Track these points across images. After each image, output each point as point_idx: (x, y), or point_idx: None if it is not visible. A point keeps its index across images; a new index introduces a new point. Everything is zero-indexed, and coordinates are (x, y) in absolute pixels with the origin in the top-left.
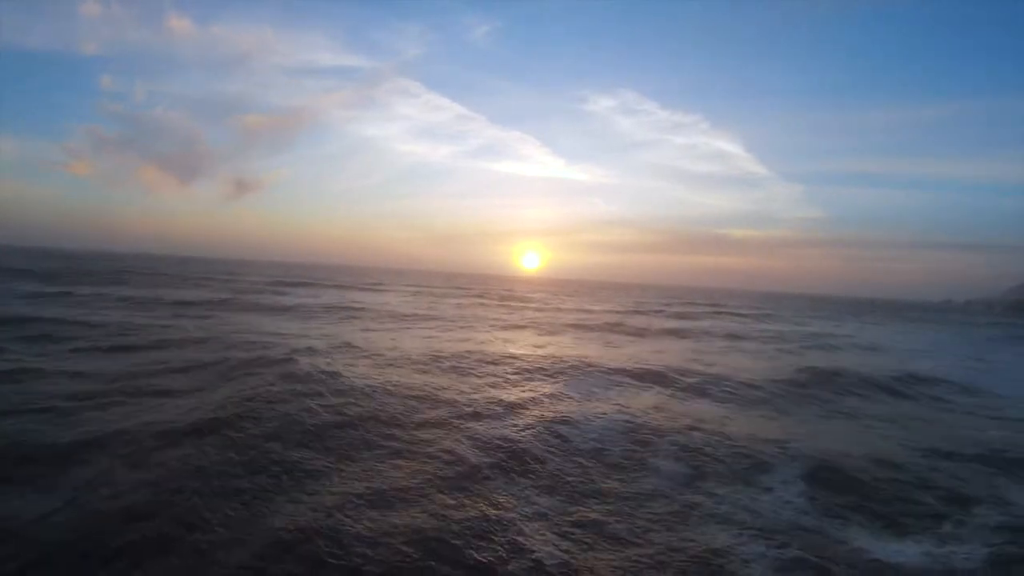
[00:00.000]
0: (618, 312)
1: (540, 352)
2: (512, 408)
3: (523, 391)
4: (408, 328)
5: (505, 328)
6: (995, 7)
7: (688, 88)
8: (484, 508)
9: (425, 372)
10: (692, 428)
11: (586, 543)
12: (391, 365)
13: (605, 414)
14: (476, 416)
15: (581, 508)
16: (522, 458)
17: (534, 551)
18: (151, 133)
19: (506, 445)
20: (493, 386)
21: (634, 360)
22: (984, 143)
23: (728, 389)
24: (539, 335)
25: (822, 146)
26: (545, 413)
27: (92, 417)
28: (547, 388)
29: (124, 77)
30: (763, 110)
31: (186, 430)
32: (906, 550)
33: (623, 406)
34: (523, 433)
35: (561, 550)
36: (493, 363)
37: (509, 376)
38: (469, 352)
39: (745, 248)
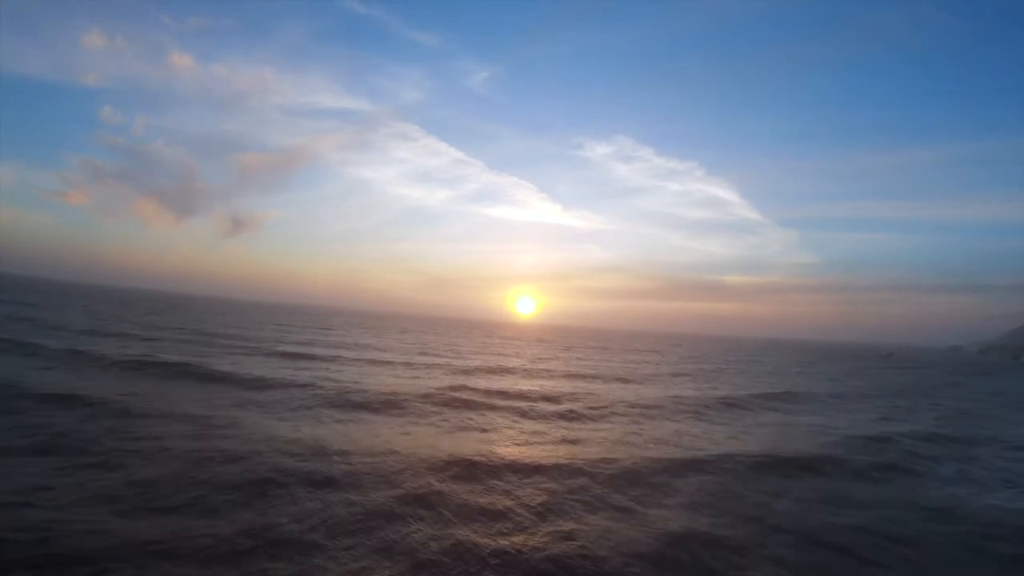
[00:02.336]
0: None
1: None
2: None
3: None
4: None
5: None
6: (982, 50)
7: (683, 135)
8: None
9: None
10: None
11: None
12: None
13: None
14: None
15: None
16: None
17: None
18: (149, 167)
19: None
20: None
21: None
22: (975, 185)
23: None
24: None
25: (816, 191)
26: None
27: None
28: None
29: (124, 110)
30: (757, 156)
31: None
32: None
33: None
34: None
35: None
36: None
37: None
38: None
39: (739, 294)
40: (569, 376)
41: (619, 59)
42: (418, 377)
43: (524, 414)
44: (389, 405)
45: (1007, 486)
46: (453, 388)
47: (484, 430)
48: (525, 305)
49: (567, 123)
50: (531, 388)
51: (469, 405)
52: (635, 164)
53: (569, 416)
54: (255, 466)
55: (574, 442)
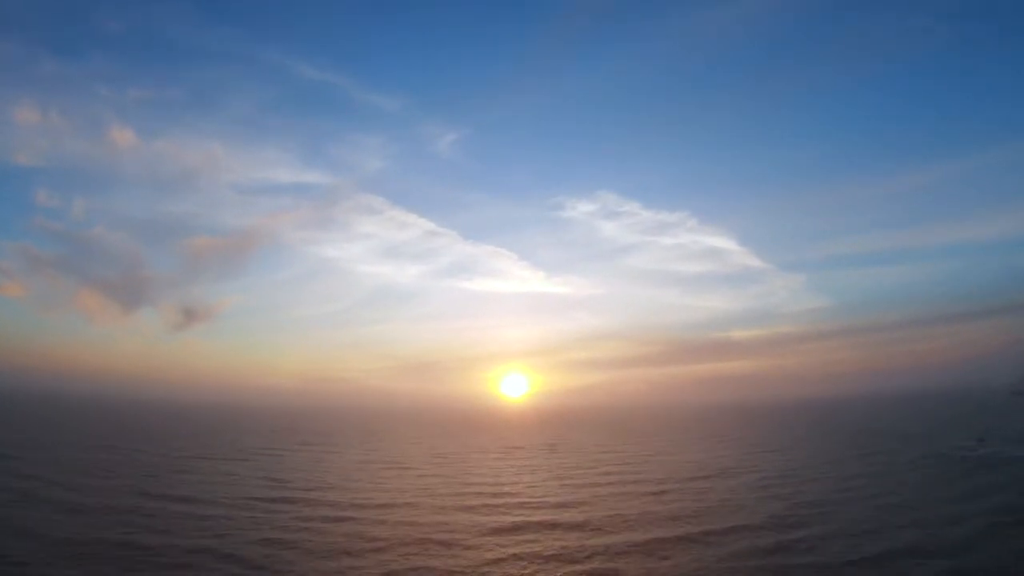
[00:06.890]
0: None
1: None
2: None
3: None
4: None
5: None
6: (983, 56)
7: (671, 184)
8: None
9: None
10: None
11: None
12: None
13: None
14: None
15: None
16: None
17: None
18: (91, 254)
19: None
20: None
21: None
22: (994, 198)
23: None
24: None
25: (819, 230)
26: None
27: None
28: None
29: (62, 192)
30: (753, 199)
31: None
32: None
33: None
34: None
35: None
36: None
37: None
38: None
39: (750, 349)
40: None
41: (594, 110)
42: None
43: None
44: None
45: None
46: None
47: None
48: (514, 385)
49: (544, 183)
50: None
51: None
52: (621, 220)
53: None
54: None
55: None
